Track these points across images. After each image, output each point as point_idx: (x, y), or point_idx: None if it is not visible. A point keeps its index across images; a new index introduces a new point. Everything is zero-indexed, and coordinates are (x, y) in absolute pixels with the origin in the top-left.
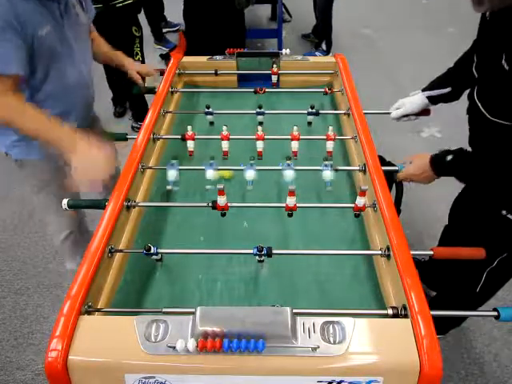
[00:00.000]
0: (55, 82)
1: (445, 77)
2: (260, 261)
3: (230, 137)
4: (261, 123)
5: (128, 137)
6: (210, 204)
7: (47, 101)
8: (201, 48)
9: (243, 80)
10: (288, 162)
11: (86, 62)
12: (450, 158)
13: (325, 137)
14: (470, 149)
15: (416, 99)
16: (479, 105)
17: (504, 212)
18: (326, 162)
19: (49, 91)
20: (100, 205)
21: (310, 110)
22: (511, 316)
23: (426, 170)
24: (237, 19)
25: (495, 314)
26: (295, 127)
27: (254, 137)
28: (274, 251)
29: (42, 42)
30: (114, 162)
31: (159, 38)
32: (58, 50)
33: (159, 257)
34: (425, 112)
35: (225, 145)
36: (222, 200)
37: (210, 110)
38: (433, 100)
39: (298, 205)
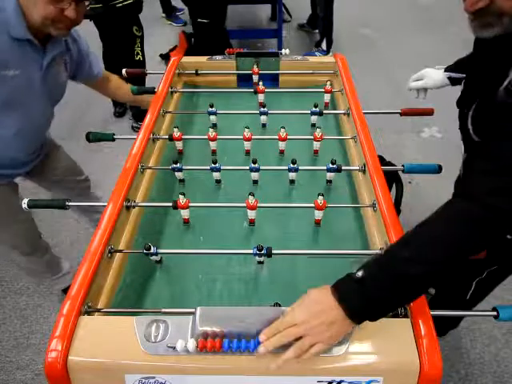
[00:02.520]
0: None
1: (466, 60)
2: (260, 262)
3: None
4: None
5: (128, 137)
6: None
7: None
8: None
9: (243, 80)
10: (292, 165)
11: (46, 116)
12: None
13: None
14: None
15: (438, 75)
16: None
17: None
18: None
19: None
20: (61, 205)
21: (313, 109)
22: (510, 315)
23: None
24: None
25: (494, 313)
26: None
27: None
28: (274, 251)
29: (3, 81)
30: None
31: (169, 13)
32: (18, 96)
33: (159, 258)
34: (428, 111)
35: (213, 144)
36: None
37: (213, 109)
38: (453, 81)
39: (297, 205)
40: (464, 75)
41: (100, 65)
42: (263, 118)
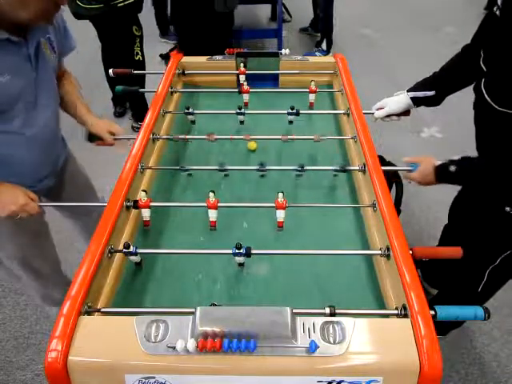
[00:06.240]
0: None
1: (431, 80)
2: (240, 264)
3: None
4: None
5: (128, 137)
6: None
7: None
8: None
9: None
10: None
11: (53, 108)
12: (453, 168)
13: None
14: (474, 149)
15: (401, 99)
16: (486, 96)
17: (508, 209)
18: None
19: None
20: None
21: (289, 110)
22: (447, 314)
23: (430, 177)
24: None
25: (432, 312)
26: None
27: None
28: (275, 251)
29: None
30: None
31: (164, 32)
32: (20, 98)
33: (138, 259)
34: (405, 112)
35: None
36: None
37: (190, 110)
38: (416, 102)
39: (298, 205)
40: (430, 93)
41: (73, 36)
42: (241, 117)
